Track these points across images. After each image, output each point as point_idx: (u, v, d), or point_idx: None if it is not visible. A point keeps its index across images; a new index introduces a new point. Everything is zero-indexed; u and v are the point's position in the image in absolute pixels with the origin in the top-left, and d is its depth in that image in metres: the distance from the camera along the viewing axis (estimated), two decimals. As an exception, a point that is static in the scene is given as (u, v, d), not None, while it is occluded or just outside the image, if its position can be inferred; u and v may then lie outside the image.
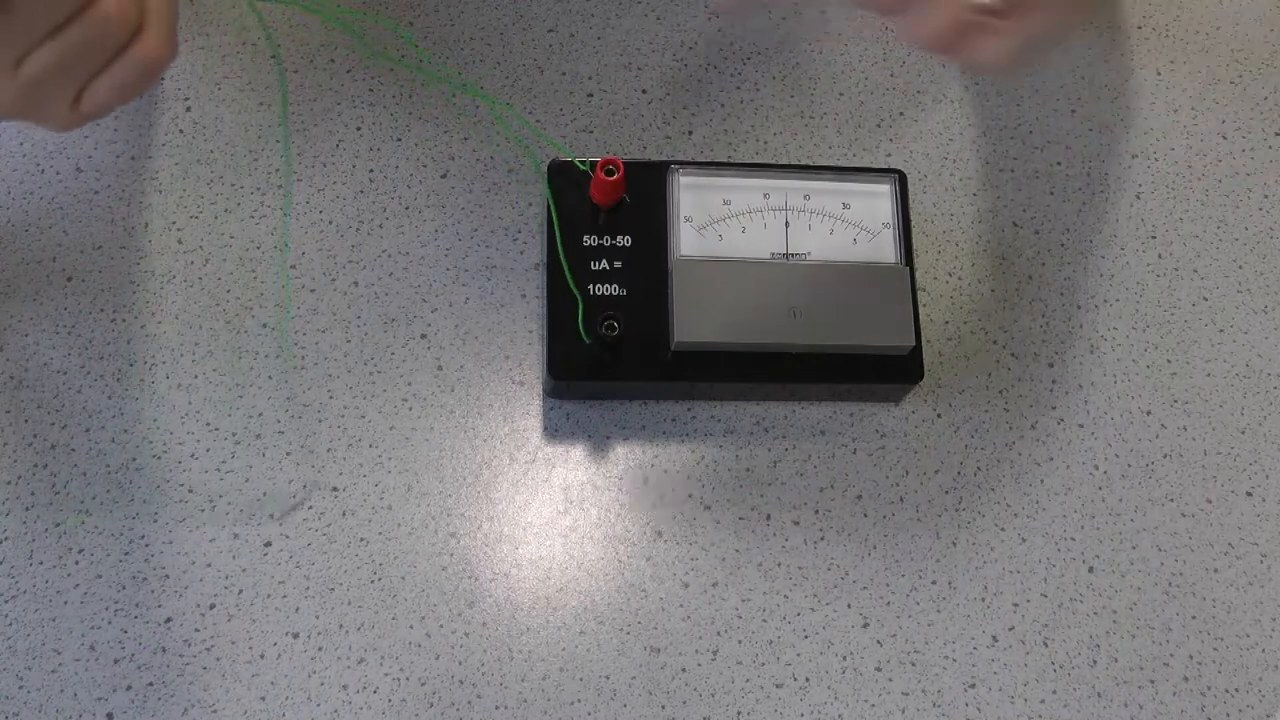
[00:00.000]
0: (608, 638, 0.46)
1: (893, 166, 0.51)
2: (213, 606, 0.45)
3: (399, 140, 0.53)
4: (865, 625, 0.47)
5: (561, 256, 0.47)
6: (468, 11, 0.56)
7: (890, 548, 0.49)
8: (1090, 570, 0.49)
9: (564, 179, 0.49)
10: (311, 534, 0.47)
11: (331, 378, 0.49)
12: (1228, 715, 0.47)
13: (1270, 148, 0.58)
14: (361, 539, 0.47)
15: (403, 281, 0.51)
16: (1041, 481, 0.50)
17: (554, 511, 0.48)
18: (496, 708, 0.45)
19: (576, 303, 0.47)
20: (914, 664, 0.47)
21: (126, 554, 0.46)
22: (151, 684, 0.44)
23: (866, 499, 0.49)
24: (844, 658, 0.47)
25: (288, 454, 0.48)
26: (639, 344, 0.47)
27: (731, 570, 0.48)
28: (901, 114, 0.57)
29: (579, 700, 0.45)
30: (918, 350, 0.48)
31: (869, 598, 0.48)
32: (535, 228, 0.52)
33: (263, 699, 0.44)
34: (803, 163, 0.54)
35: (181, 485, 0.47)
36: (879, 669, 0.47)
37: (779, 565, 0.48)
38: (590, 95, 0.55)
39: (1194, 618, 0.49)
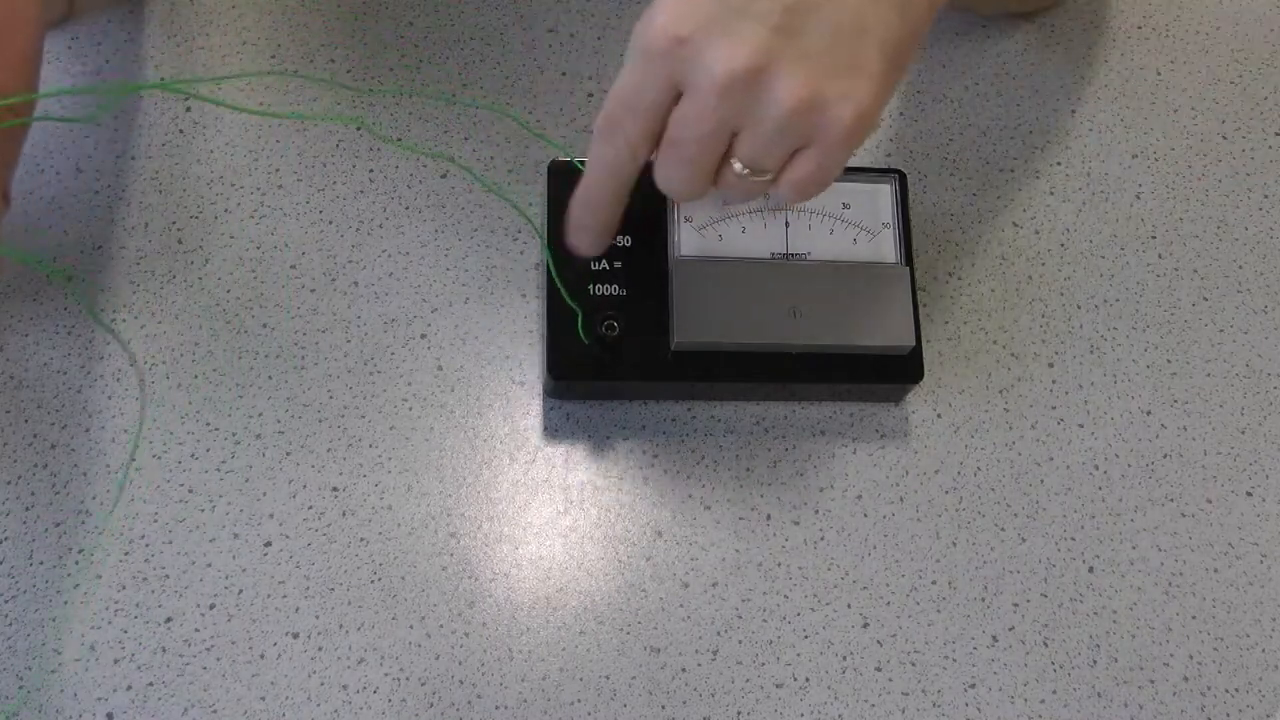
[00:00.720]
0: (608, 638, 0.46)
1: (893, 166, 0.51)
2: (213, 606, 0.45)
3: (399, 140, 0.53)
4: (865, 625, 0.47)
5: (555, 276, 0.47)
6: (468, 11, 0.56)
7: (890, 548, 0.49)
8: (1090, 570, 0.49)
9: (564, 179, 0.49)
10: (311, 534, 0.47)
11: (331, 378, 0.49)
12: (1228, 715, 0.47)
13: (1270, 148, 0.58)
14: (361, 539, 0.47)
15: (403, 281, 0.51)
16: (1041, 481, 0.50)
17: (554, 511, 0.48)
18: (496, 708, 0.45)
19: (575, 312, 0.47)
20: (914, 664, 0.47)
21: (126, 554, 0.46)
22: (151, 684, 0.44)
23: (866, 499, 0.49)
24: (844, 658, 0.47)
25: (288, 454, 0.48)
26: (639, 344, 0.47)
27: (731, 570, 0.48)
28: (901, 114, 0.57)
29: (579, 700, 0.45)
30: (918, 350, 0.48)
31: (869, 598, 0.48)
32: (535, 228, 0.52)
33: (263, 699, 0.44)
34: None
35: (181, 485, 0.47)
36: (879, 669, 0.47)
37: (779, 565, 0.48)
38: (590, 95, 0.55)
39: (1194, 618, 0.49)
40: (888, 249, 0.49)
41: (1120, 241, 0.55)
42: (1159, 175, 0.57)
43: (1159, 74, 0.59)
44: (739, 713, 0.46)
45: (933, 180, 0.56)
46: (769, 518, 0.49)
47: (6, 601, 0.45)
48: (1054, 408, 0.52)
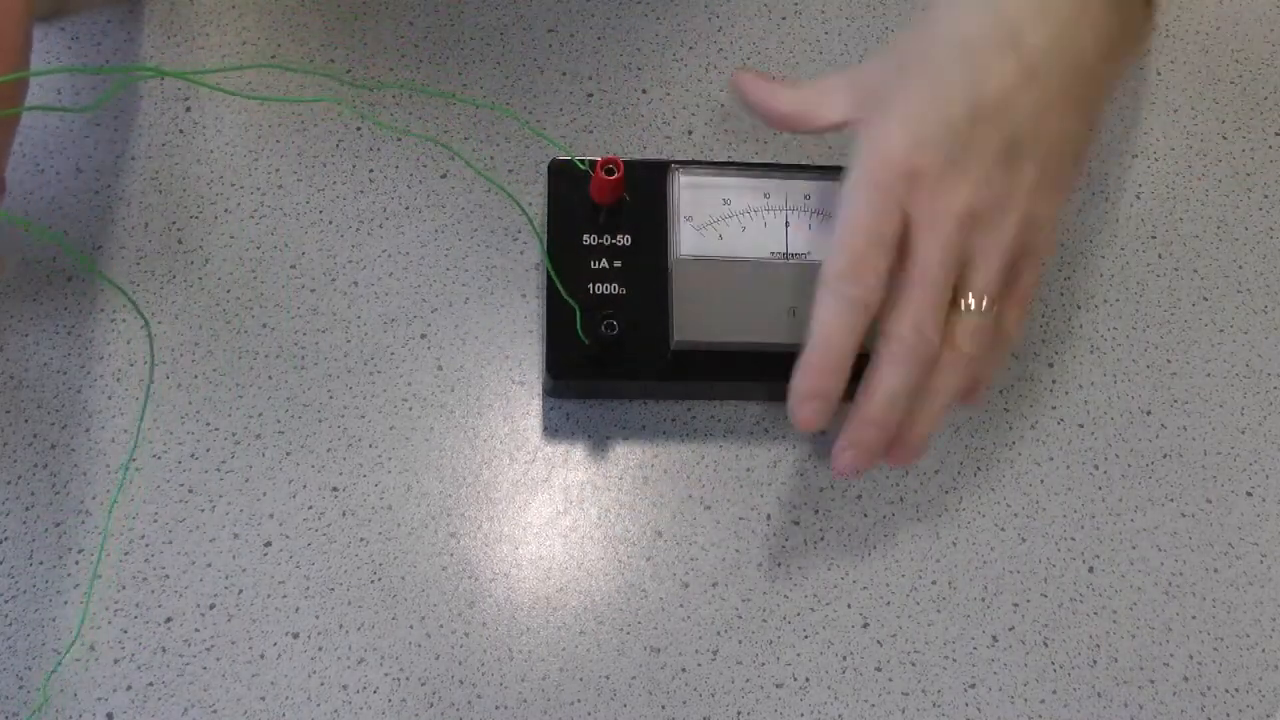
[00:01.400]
0: (608, 638, 0.46)
1: (893, 166, 0.51)
2: (213, 606, 0.45)
3: (399, 140, 0.53)
4: (865, 625, 0.47)
5: (552, 273, 0.47)
6: (468, 11, 0.56)
7: (890, 548, 0.49)
8: (1090, 570, 0.49)
9: (564, 179, 0.49)
10: (311, 534, 0.47)
11: (331, 378, 0.49)
12: (1228, 715, 0.47)
13: (1270, 148, 0.58)
14: (361, 539, 0.47)
15: (403, 281, 0.51)
16: (1041, 481, 0.50)
17: (554, 511, 0.48)
18: (496, 708, 0.45)
19: (575, 309, 0.47)
20: (914, 664, 0.47)
21: (126, 554, 0.46)
22: (151, 684, 0.44)
23: (866, 499, 0.49)
24: (844, 658, 0.47)
25: (288, 454, 0.48)
26: (638, 344, 0.47)
27: (731, 570, 0.48)
28: (901, 114, 0.57)
29: (579, 700, 0.45)
30: (918, 350, 0.48)
31: (869, 598, 0.48)
32: (529, 218, 0.52)
33: (263, 699, 0.44)
34: (803, 163, 0.54)
35: (181, 485, 0.47)
36: (879, 669, 0.47)
37: (779, 565, 0.48)
38: (590, 95, 0.55)
39: (1194, 618, 0.49)
40: (888, 249, 0.49)
41: (1120, 241, 0.55)
42: (1159, 175, 0.57)
43: (1159, 74, 0.59)
44: (739, 713, 0.46)
45: (933, 180, 0.55)
46: (769, 518, 0.49)
47: (6, 601, 0.45)
48: (1054, 408, 0.52)
